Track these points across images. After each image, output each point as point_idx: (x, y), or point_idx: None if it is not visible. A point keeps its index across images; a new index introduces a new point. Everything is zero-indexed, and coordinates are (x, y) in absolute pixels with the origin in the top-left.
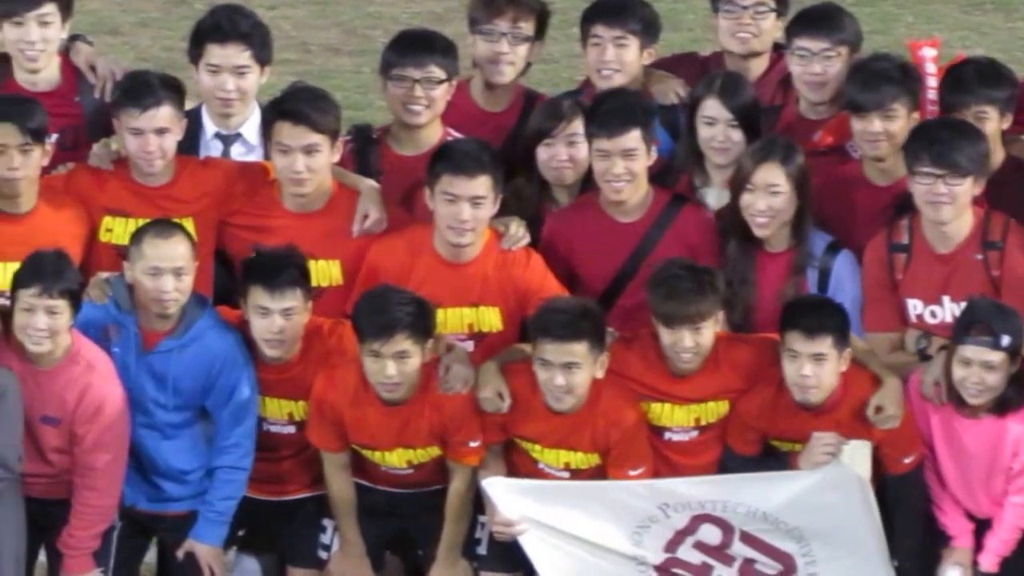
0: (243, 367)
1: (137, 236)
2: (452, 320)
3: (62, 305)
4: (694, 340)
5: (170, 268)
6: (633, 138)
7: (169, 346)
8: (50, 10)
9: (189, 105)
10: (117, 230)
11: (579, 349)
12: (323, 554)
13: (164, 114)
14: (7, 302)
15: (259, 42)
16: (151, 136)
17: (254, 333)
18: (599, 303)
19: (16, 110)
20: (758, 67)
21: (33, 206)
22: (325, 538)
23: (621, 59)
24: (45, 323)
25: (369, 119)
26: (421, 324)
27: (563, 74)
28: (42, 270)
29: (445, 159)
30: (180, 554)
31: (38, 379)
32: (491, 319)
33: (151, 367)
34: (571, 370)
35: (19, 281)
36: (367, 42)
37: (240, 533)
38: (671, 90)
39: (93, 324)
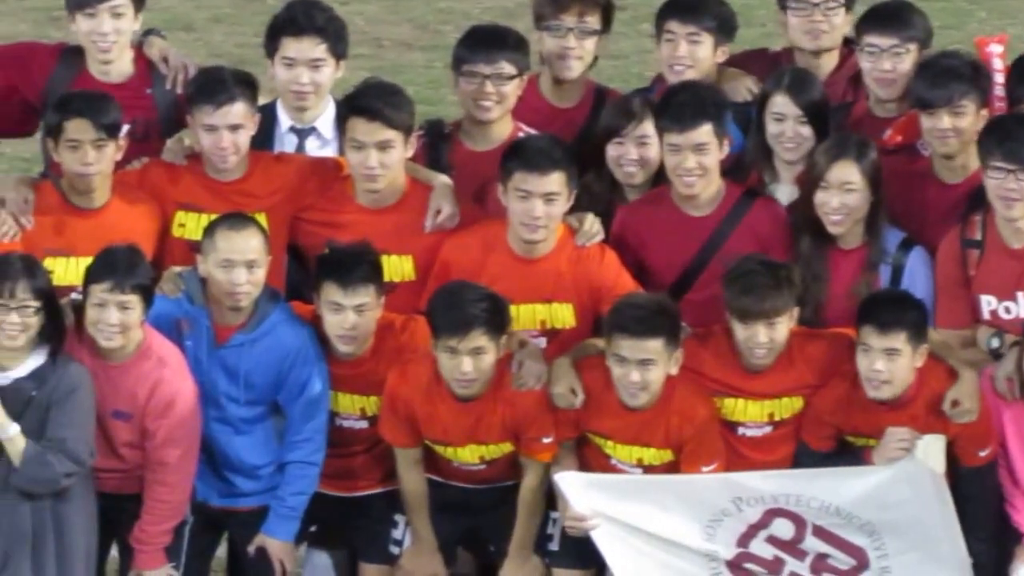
0: (315, 362)
1: (210, 229)
2: (524, 316)
3: (134, 300)
4: (768, 336)
5: (243, 261)
6: (704, 132)
7: (241, 340)
8: (122, 1)
9: (261, 101)
10: (190, 225)
11: (655, 345)
12: (395, 550)
13: (238, 110)
14: (79, 296)
15: (335, 36)
16: (225, 132)
17: (327, 329)
18: (669, 296)
19: (90, 106)
20: (828, 63)
21: (106, 201)
22: (397, 533)
23: (694, 55)
24: (117, 318)
25: (441, 114)
26: (496, 320)
27: (633, 70)
28: (114, 265)
29: (518, 156)
30: (251, 549)
31: (109, 374)
32: (564, 315)
33: (223, 361)
34: (646, 366)
35: (91, 276)
36: (439, 37)
37: (312, 529)
38: (743, 87)
39: (166, 318)
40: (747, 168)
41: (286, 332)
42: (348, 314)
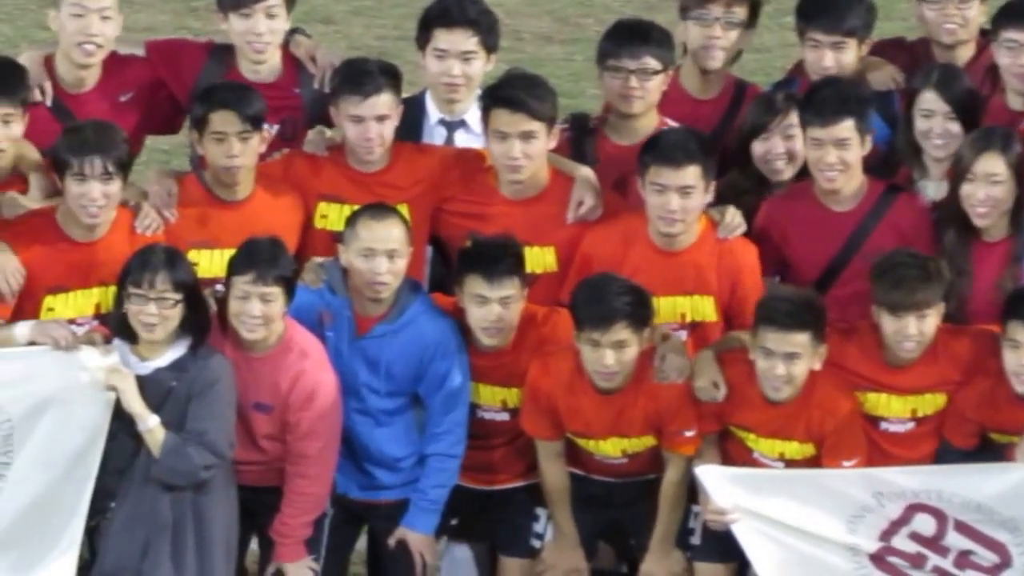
0: (456, 353)
1: (352, 219)
2: (665, 309)
3: (276, 292)
4: (918, 328)
5: (384, 250)
6: (846, 128)
7: (382, 331)
8: (276, 1)
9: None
10: (332, 216)
11: (801, 339)
12: (536, 543)
13: (384, 101)
14: (222, 289)
15: (486, 28)
16: (371, 123)
17: (471, 321)
18: (815, 292)
19: (235, 97)
20: (964, 55)
21: (250, 193)
22: (538, 527)
23: (840, 63)
24: (259, 310)
25: (581, 107)
26: (640, 314)
27: (776, 63)
28: (256, 257)
29: (653, 149)
30: (391, 542)
31: (251, 366)
32: (705, 308)
33: (364, 352)
34: (792, 360)
35: (234, 268)
36: (579, 30)
37: (453, 523)
38: (888, 76)
39: (307, 309)
40: (895, 163)
41: (427, 323)
42: (493, 307)
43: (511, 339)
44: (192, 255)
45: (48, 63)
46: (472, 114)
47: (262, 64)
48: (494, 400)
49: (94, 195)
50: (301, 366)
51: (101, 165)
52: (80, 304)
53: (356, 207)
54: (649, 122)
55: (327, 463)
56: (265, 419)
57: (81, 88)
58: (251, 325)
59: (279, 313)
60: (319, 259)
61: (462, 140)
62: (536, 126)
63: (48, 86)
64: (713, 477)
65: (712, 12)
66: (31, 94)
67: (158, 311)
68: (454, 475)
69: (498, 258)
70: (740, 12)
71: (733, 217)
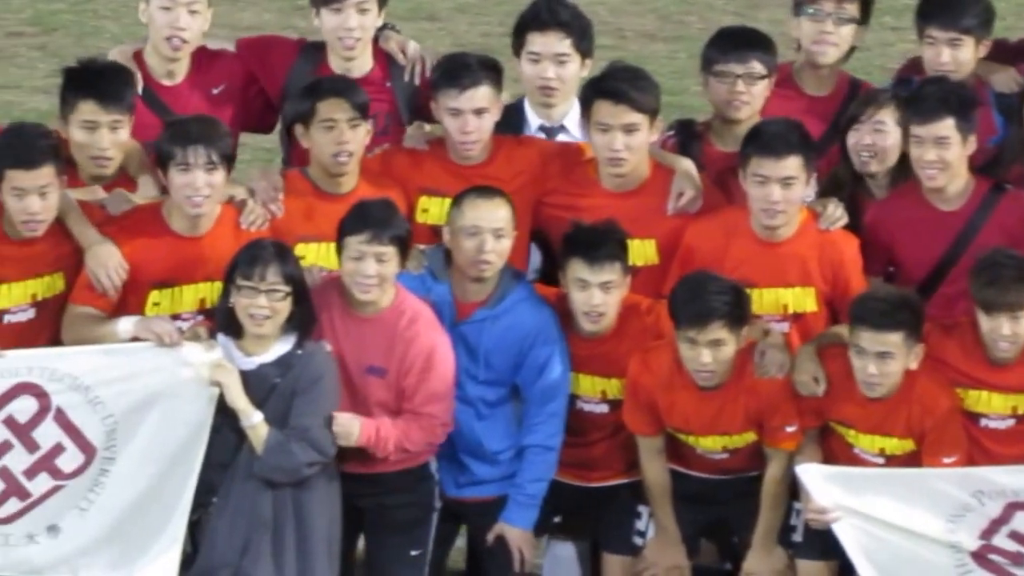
0: (555, 342)
1: (458, 199)
2: (767, 301)
3: (391, 252)
4: (1012, 329)
5: (490, 229)
6: (946, 127)
7: (483, 316)
8: None
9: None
10: (433, 211)
11: (894, 339)
12: (638, 541)
13: (483, 94)
14: (325, 271)
15: (579, 31)
16: (469, 116)
17: (573, 306)
18: (920, 290)
19: (342, 86)
20: None
21: (354, 186)
22: (640, 524)
23: (957, 60)
24: (374, 269)
25: (684, 104)
26: (737, 312)
27: (875, 62)
28: (370, 217)
29: (755, 141)
30: (490, 538)
31: (362, 328)
32: (806, 300)
33: (464, 338)
34: (885, 359)
35: (347, 228)
36: (682, 28)
37: (555, 520)
38: (1011, 79)
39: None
40: (1008, 162)
41: (527, 311)
42: (594, 291)
43: (612, 326)
44: (299, 249)
45: (138, 56)
46: (571, 119)
47: (352, 60)
48: (593, 391)
49: (198, 184)
50: (415, 329)
51: (205, 154)
52: (185, 299)
53: None
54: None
55: (446, 423)
56: (379, 384)
57: (173, 80)
58: (365, 285)
59: (393, 274)
60: (421, 246)
61: None
62: (638, 118)
63: (139, 79)
64: (813, 476)
65: (824, 8)
66: (137, 95)
67: (268, 304)
68: (552, 468)
69: (600, 243)
70: (852, 8)
71: (835, 209)
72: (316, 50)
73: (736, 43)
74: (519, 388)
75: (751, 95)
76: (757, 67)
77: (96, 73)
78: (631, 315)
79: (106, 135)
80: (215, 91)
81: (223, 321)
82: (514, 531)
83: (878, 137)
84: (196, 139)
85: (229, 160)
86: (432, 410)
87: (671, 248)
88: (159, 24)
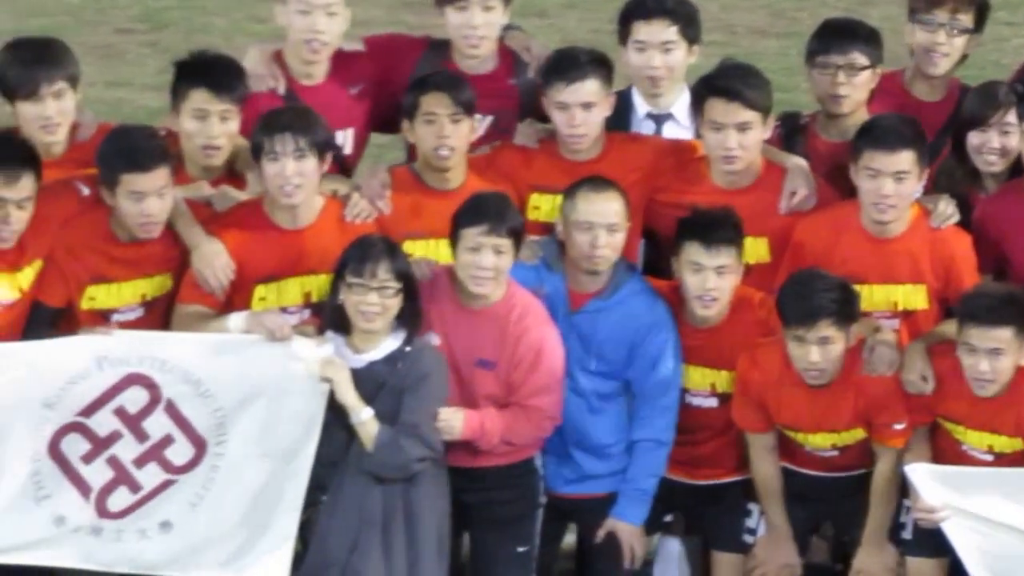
0: (669, 336)
1: (571, 192)
2: (877, 297)
3: (507, 244)
4: None
5: (603, 224)
6: None
7: (596, 307)
8: None
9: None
10: (544, 207)
11: (1004, 335)
12: (748, 539)
13: (589, 88)
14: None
15: (685, 19)
16: (576, 110)
17: (685, 291)
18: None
19: (446, 81)
20: None
21: (462, 182)
22: (751, 522)
23: None
24: (491, 262)
25: (795, 101)
26: (845, 311)
27: (990, 57)
28: (487, 209)
29: (868, 135)
30: (600, 534)
31: (472, 321)
32: (917, 297)
33: (578, 328)
34: (995, 356)
35: (463, 220)
36: (794, 24)
37: (667, 519)
38: None
39: (522, 284)
40: None
41: (640, 303)
42: (709, 275)
43: (724, 315)
44: (406, 245)
45: (278, 56)
46: (679, 106)
47: (477, 57)
48: (703, 383)
49: (287, 172)
50: (525, 323)
51: (293, 142)
52: (291, 293)
53: None
54: (858, 119)
55: (555, 416)
56: (489, 376)
57: (312, 80)
58: (481, 278)
59: (508, 267)
60: (535, 237)
61: (670, 133)
62: (752, 116)
63: (281, 78)
64: (921, 475)
65: (938, 18)
66: (252, 84)
67: (379, 300)
68: (663, 463)
69: (717, 226)
70: (966, 19)
71: (946, 207)
72: (441, 48)
73: (838, 35)
74: (631, 382)
75: (853, 86)
76: (859, 59)
77: (208, 63)
78: (743, 306)
79: (216, 124)
80: (353, 91)
81: (332, 319)
82: (625, 527)
83: (1007, 139)
84: (284, 127)
85: (322, 148)
86: (540, 403)
87: (782, 246)
88: (298, 27)
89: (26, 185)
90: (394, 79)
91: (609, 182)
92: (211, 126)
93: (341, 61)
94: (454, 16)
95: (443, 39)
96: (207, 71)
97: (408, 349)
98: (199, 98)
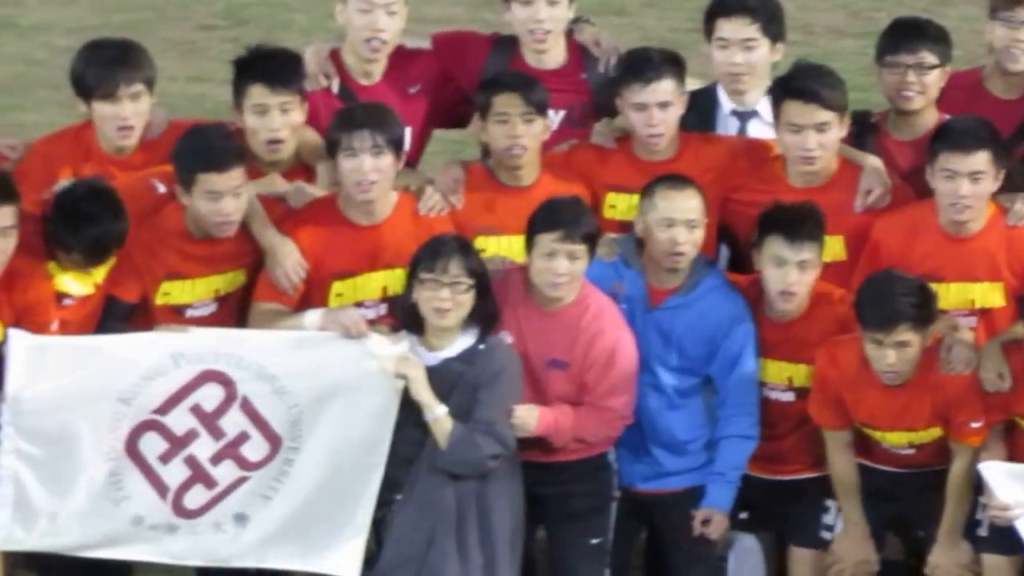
0: (748, 332)
1: (649, 189)
2: (954, 295)
3: (582, 250)
4: None
5: (683, 220)
6: None
7: (676, 303)
8: None
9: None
10: (620, 206)
11: None
12: (825, 535)
13: (666, 88)
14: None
15: (767, 16)
16: (654, 110)
17: (766, 285)
18: None
19: (519, 81)
20: None
21: (536, 179)
22: (828, 518)
23: None
24: (565, 268)
25: (872, 101)
26: (923, 313)
27: None
28: (562, 215)
29: (944, 136)
30: (697, 524)
31: (546, 322)
32: (994, 295)
33: (658, 324)
34: None
35: (538, 226)
36: (871, 24)
37: (742, 516)
38: None
39: (601, 281)
40: None
41: (720, 299)
42: (791, 269)
43: (803, 310)
44: (479, 242)
45: (335, 55)
46: (763, 103)
47: (545, 52)
48: (780, 377)
49: (364, 169)
50: (599, 324)
51: (370, 138)
52: (367, 288)
53: None
54: (928, 118)
55: (627, 417)
56: (561, 377)
57: (370, 80)
58: (555, 282)
59: (582, 271)
60: (612, 234)
61: (755, 130)
62: (829, 116)
63: (335, 77)
64: (996, 473)
65: (1019, 15)
66: (308, 84)
67: (451, 296)
68: (747, 457)
69: (800, 221)
70: None
71: (1023, 206)
72: (509, 44)
73: (907, 34)
74: (712, 379)
75: (922, 85)
76: (928, 58)
77: (263, 58)
78: (822, 302)
79: (277, 117)
80: (412, 90)
81: (406, 317)
82: (720, 514)
83: None
84: (361, 124)
85: (397, 145)
86: (612, 403)
87: (858, 244)
88: (357, 26)
89: (6, 213)
90: (461, 77)
91: (687, 179)
92: (272, 120)
93: (400, 60)
94: (520, 11)
95: (510, 36)
96: (263, 66)
97: (482, 347)
98: (257, 93)
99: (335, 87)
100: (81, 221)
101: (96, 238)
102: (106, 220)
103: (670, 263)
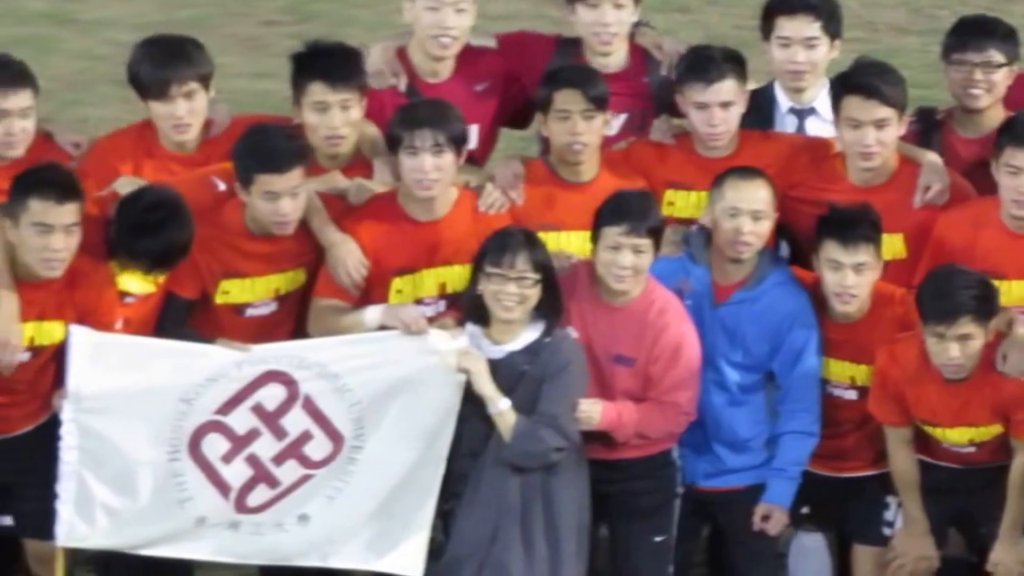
0: (811, 328)
1: (719, 179)
2: (1016, 291)
3: (647, 244)
4: None
5: (748, 210)
6: None
7: (741, 298)
8: None
9: (753, 85)
10: (679, 203)
11: None
12: (887, 531)
13: (728, 87)
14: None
15: (828, 14)
16: (716, 109)
17: (826, 288)
18: None
19: (579, 77)
20: None
21: (595, 175)
22: (888, 515)
23: None
24: (631, 261)
25: (936, 98)
26: (985, 307)
27: None
28: (628, 208)
29: (1009, 132)
30: (756, 519)
31: (611, 317)
32: None
33: (723, 321)
34: None
35: (604, 219)
36: (934, 21)
37: (803, 511)
38: None
39: (666, 277)
40: None
41: (784, 294)
42: (847, 272)
43: (865, 311)
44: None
45: (402, 53)
46: (821, 101)
47: (609, 55)
48: (843, 376)
49: (426, 167)
50: (664, 320)
51: (432, 137)
52: (426, 284)
53: (704, 194)
54: (995, 116)
55: (690, 413)
56: (626, 372)
57: (437, 78)
58: (621, 275)
59: (647, 265)
60: (679, 228)
61: (813, 127)
62: (889, 113)
63: (403, 75)
64: None
65: None
66: (374, 82)
67: (517, 291)
68: (808, 454)
69: (855, 224)
70: None
71: None
72: (572, 45)
73: (974, 32)
74: (774, 375)
75: (989, 83)
76: (995, 56)
77: (323, 54)
78: (884, 302)
79: (337, 115)
80: (479, 87)
81: (471, 309)
82: (780, 510)
83: None
84: (423, 122)
85: (458, 143)
86: (676, 398)
87: (919, 241)
88: (426, 24)
89: (71, 210)
90: (525, 77)
91: (757, 171)
92: (332, 117)
93: (468, 57)
94: (585, 14)
95: (574, 37)
96: (322, 63)
97: (547, 340)
98: (317, 90)
99: (402, 85)
100: (147, 232)
101: (162, 249)
102: (171, 230)
103: (733, 252)
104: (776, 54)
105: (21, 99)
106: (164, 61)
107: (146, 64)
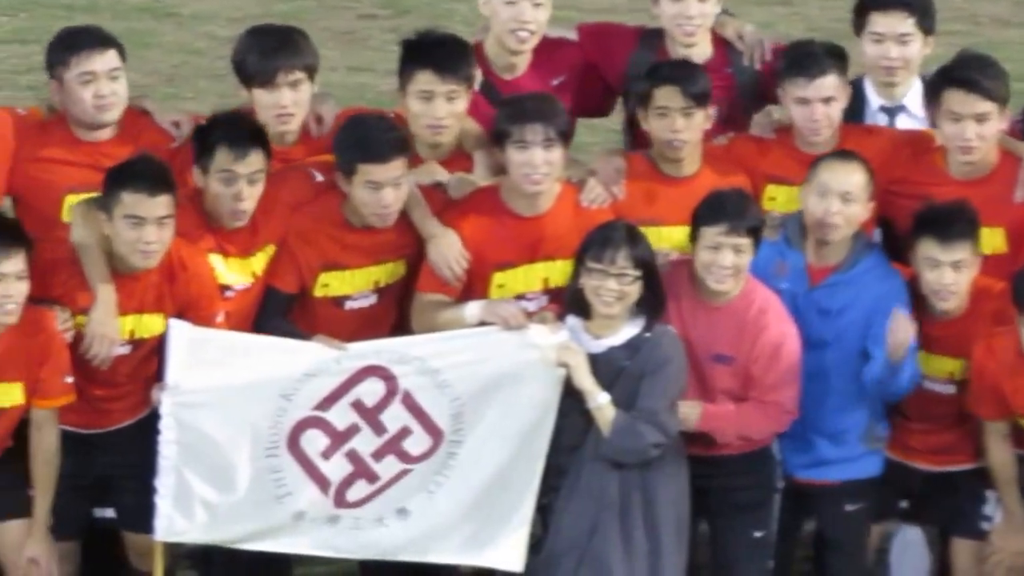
0: (903, 308)
1: (816, 161)
2: None
3: (747, 243)
4: None
5: (838, 191)
6: None
7: (835, 280)
8: None
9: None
10: (780, 198)
11: None
12: (985, 525)
13: (830, 83)
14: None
15: (921, 10)
16: (818, 105)
17: (923, 286)
18: None
19: (679, 73)
20: None
21: (696, 170)
22: (987, 509)
23: None
24: (731, 261)
25: None
26: None
27: None
28: (727, 208)
29: None
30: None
31: (711, 317)
32: None
33: (817, 303)
34: None
35: (703, 219)
36: None
37: (903, 505)
38: None
39: (763, 261)
40: None
41: (877, 278)
42: (945, 270)
43: (964, 307)
44: None
45: (478, 49)
46: (911, 98)
47: (692, 47)
48: (941, 371)
49: (536, 162)
50: (764, 319)
51: (542, 131)
52: (528, 279)
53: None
54: None
55: (792, 411)
56: (726, 372)
57: (513, 73)
58: (720, 276)
59: (747, 264)
60: (777, 212)
61: (903, 124)
62: (990, 107)
63: (478, 71)
64: None
65: None
66: (474, 70)
67: (618, 287)
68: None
69: (952, 222)
70: None
71: None
72: (655, 37)
73: None
74: (868, 357)
75: None
76: None
77: (434, 44)
78: (983, 297)
79: (442, 105)
80: (555, 81)
81: (573, 303)
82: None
83: None
84: (533, 116)
85: (566, 137)
86: (778, 398)
87: (1019, 236)
88: (503, 18)
89: (255, 160)
90: (606, 69)
91: (855, 155)
92: (437, 107)
93: (545, 52)
94: (669, 6)
95: (656, 29)
96: (432, 52)
97: (648, 335)
98: (424, 79)
99: (477, 83)
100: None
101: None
102: None
103: (819, 233)
104: (869, 50)
105: (108, 60)
106: (272, 50)
107: (253, 53)
